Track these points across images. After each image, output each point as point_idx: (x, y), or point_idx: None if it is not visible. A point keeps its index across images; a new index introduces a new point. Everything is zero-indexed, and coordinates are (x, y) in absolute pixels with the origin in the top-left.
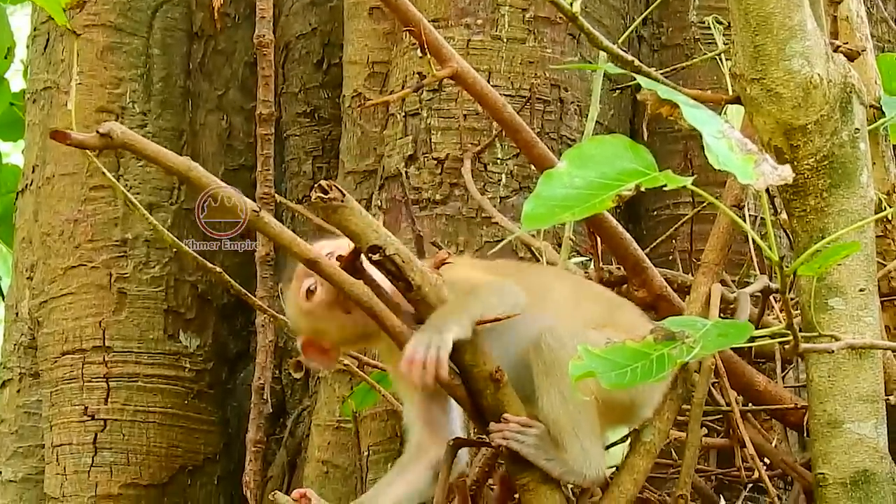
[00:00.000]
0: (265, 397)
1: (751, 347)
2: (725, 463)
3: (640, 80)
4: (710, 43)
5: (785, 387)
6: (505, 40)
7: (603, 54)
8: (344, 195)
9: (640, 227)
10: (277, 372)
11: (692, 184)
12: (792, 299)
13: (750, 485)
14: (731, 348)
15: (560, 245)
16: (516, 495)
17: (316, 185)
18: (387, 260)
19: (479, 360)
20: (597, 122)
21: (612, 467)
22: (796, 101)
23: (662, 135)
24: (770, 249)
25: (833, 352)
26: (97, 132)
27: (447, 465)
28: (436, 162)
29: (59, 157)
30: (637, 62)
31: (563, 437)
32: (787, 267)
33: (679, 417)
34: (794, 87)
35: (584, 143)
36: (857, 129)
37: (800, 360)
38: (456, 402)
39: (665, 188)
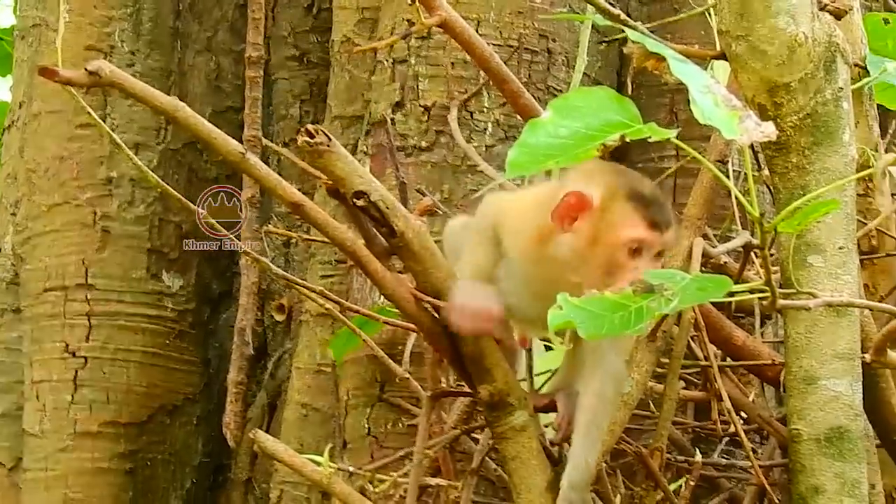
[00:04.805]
0: (247, 339)
1: (730, 302)
2: (702, 416)
3: (628, 32)
4: None
5: (764, 342)
6: None
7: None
8: (330, 139)
9: None
10: (259, 314)
11: (676, 137)
12: (772, 255)
13: (726, 438)
14: (712, 302)
15: None
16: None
17: (302, 129)
18: (371, 206)
19: None
20: (584, 73)
21: None
22: (781, 58)
23: (649, 88)
24: (751, 205)
25: (810, 309)
26: (85, 70)
27: (426, 416)
28: (422, 109)
29: (46, 94)
30: (625, 15)
31: None
32: (768, 223)
33: (657, 370)
34: (779, 44)
35: (570, 94)
36: (840, 87)
37: (779, 315)
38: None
39: (649, 140)
